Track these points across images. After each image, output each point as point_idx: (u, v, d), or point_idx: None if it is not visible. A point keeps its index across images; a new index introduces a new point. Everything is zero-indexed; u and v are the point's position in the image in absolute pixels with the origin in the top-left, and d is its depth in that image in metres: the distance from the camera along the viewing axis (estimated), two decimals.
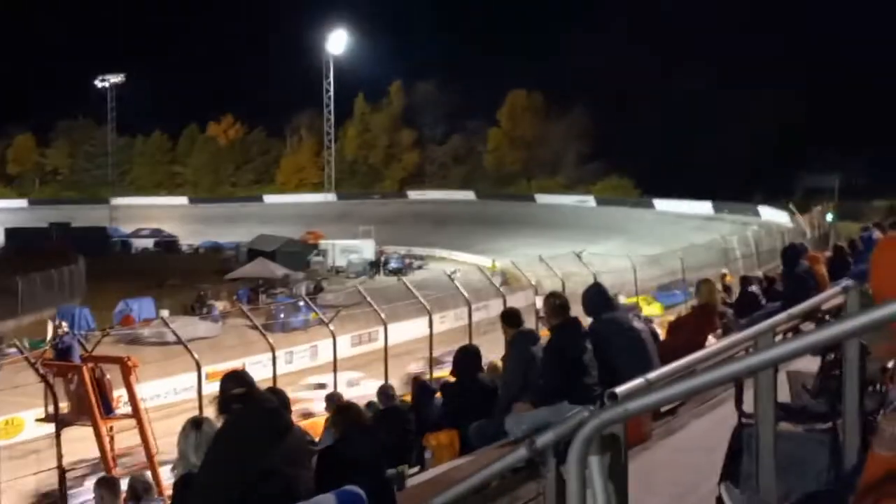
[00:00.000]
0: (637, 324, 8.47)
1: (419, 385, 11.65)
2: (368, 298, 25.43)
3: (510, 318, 9.08)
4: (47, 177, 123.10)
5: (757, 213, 76.31)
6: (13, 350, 31.13)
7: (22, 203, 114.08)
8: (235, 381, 5.46)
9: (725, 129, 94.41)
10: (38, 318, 46.66)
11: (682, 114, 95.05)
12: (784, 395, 5.12)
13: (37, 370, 19.00)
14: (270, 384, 17.21)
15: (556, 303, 7.91)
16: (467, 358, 9.84)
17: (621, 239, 76.10)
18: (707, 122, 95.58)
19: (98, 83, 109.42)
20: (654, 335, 9.50)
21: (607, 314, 8.33)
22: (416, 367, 25.03)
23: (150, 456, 17.80)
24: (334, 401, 10.72)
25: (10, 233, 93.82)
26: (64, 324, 22.16)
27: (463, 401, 9.49)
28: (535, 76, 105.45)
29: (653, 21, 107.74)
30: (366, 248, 74.09)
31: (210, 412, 6.59)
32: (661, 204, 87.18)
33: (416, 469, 9.09)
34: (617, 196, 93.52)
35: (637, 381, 3.09)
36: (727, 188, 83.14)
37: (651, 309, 35.39)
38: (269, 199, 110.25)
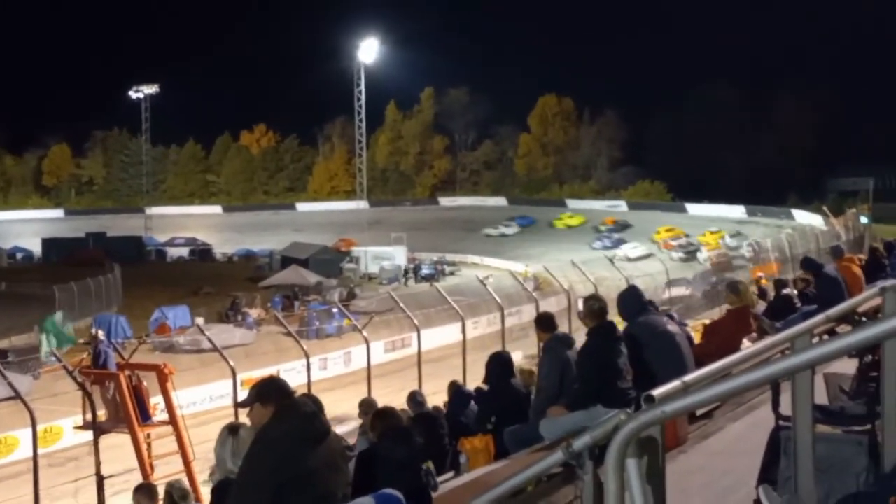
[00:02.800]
0: (671, 327, 8.44)
1: (455, 390, 11.67)
2: (401, 304, 25.47)
3: (544, 322, 9.07)
4: (83, 187, 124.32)
5: (790, 216, 75.57)
6: (52, 359, 31.51)
7: (59, 213, 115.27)
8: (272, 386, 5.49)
9: (758, 132, 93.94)
10: (75, 328, 47.13)
11: (714, 118, 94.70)
12: (821, 398, 5.09)
13: (74, 378, 19.17)
14: (305, 390, 17.27)
15: (595, 306, 7.89)
16: (500, 364, 9.86)
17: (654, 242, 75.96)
18: (738, 126, 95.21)
19: (132, 94, 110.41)
20: (689, 338, 9.46)
21: (642, 317, 8.30)
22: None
23: (186, 462, 17.89)
24: (370, 406, 10.75)
25: (48, 243, 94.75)
26: (100, 332, 22.33)
27: (497, 406, 9.50)
28: (566, 81, 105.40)
29: (683, 26, 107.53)
30: (398, 255, 74.14)
31: (246, 418, 6.63)
32: (694, 208, 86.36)
33: (451, 474, 9.11)
34: (649, 200, 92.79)
35: (674, 384, 3.09)
36: (760, 191, 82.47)
37: None
38: (302, 206, 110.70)
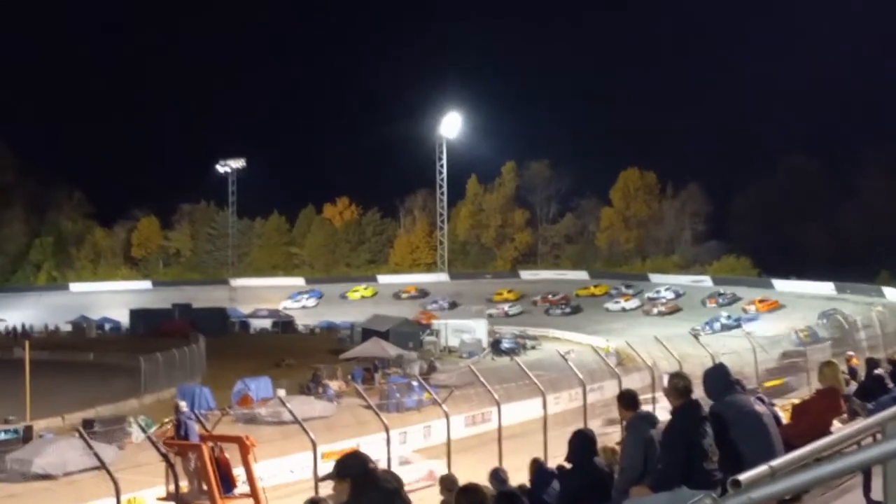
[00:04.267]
0: (759, 407, 8.25)
1: (537, 467, 11.53)
2: (481, 378, 25.34)
3: (627, 400, 8.95)
4: (171, 259, 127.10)
5: (881, 294, 73.49)
6: (136, 429, 32.03)
7: (147, 284, 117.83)
8: (355, 462, 5.52)
9: (842, 206, 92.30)
10: (158, 398, 47.85)
11: (799, 189, 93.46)
12: None
13: (158, 449, 19.43)
14: (385, 465, 17.24)
15: (680, 384, 7.76)
16: (583, 441, 9.73)
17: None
18: (823, 200, 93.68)
19: (219, 168, 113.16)
20: (777, 419, 9.24)
21: (729, 396, 8.14)
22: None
23: None
24: (451, 483, 10.70)
25: (135, 314, 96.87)
26: (182, 403, 22.63)
27: (579, 485, 9.36)
28: (648, 155, 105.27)
29: (764, 99, 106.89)
30: (478, 328, 74.01)
31: (327, 492, 6.66)
32: (781, 284, 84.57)
33: None
34: (735, 276, 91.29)
35: (761, 469, 3.03)
36: (847, 266, 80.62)
37: None
38: (383, 279, 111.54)
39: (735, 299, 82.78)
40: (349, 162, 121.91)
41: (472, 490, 8.11)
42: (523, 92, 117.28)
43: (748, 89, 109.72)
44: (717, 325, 72.68)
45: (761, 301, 79.10)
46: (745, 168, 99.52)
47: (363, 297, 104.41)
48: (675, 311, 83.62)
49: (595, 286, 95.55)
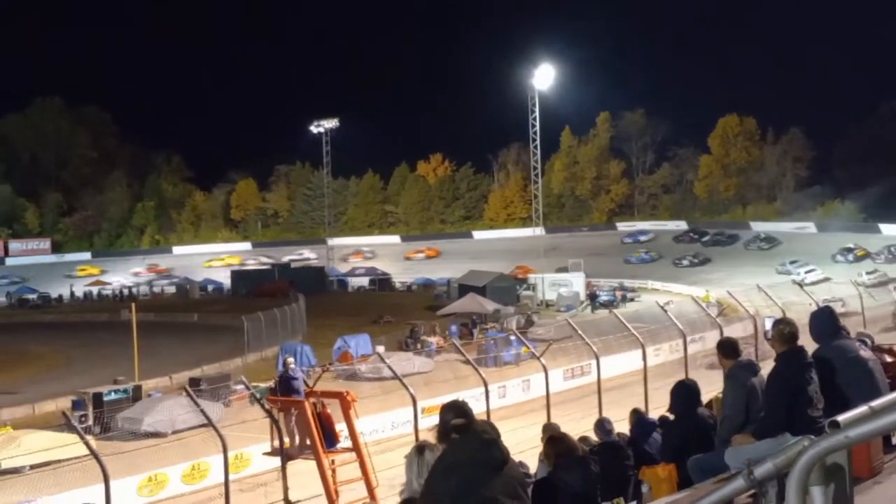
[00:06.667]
0: (864, 353, 8.03)
1: (638, 418, 11.46)
2: (579, 331, 25.26)
3: (728, 348, 8.79)
4: (269, 220, 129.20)
5: None
6: (240, 387, 32.78)
7: (246, 246, 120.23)
8: (455, 411, 5.54)
9: None
10: (262, 356, 48.92)
11: None
12: None
13: (262, 406, 19.86)
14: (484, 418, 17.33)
15: (786, 330, 7.58)
16: (685, 392, 9.63)
17: (845, 266, 72.49)
18: None
19: (313, 128, 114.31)
20: (885, 365, 8.98)
21: (835, 341, 7.94)
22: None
23: (370, 489, 18.21)
24: (549, 432, 10.68)
25: (236, 275, 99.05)
26: (290, 359, 23.03)
27: (682, 435, 9.28)
28: (746, 100, 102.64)
29: (867, 41, 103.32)
30: (575, 282, 73.67)
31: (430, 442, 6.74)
32: (889, 228, 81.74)
33: (633, 503, 8.95)
34: (840, 221, 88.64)
35: (860, 409, 2.95)
36: None
37: None
38: (478, 234, 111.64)
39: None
40: (442, 118, 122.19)
41: (559, 439, 8.09)
42: (616, 40, 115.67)
43: (849, 30, 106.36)
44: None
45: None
46: (850, 110, 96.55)
47: (229, 264, 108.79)
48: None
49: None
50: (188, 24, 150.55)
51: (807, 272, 70.64)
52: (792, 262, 75.65)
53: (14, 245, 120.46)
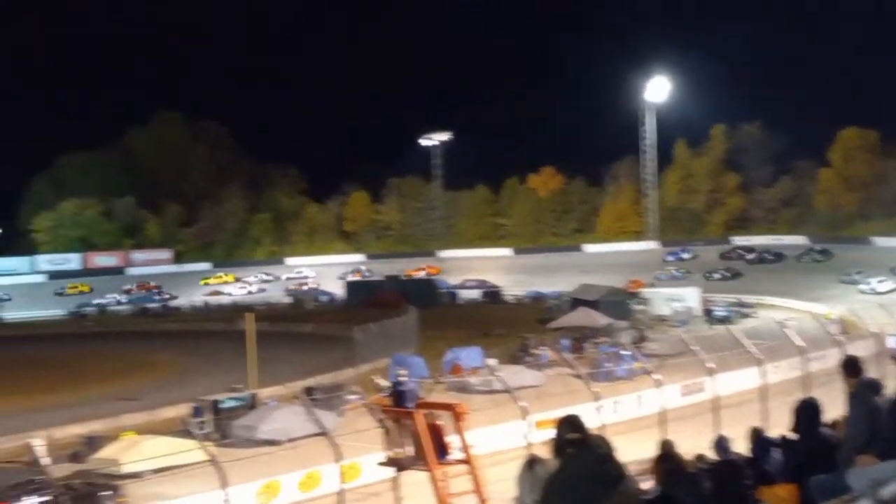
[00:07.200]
0: None
1: (758, 437, 11.17)
2: (694, 347, 24.80)
3: (850, 366, 8.53)
4: (381, 232, 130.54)
5: None
6: (354, 396, 33.13)
7: (360, 257, 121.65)
8: (570, 426, 5.47)
9: None
10: (374, 367, 49.31)
11: None
12: None
13: (376, 416, 19.99)
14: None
15: None
16: (809, 410, 9.36)
17: None
18: None
19: (425, 142, 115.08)
20: None
21: None
22: None
23: (482, 501, 18.14)
24: (662, 448, 10.47)
25: (350, 286, 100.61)
26: (403, 371, 23.15)
27: (804, 454, 9.01)
28: (867, 113, 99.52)
29: None
30: (690, 297, 72.37)
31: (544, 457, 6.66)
32: None
33: None
34: None
35: None
36: None
37: None
38: (589, 247, 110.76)
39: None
40: (553, 132, 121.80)
41: (669, 456, 7.93)
42: (731, 52, 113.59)
43: None
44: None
45: None
46: None
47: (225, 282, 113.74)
48: None
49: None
50: (302, 40, 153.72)
51: (878, 282, 69.35)
52: (858, 273, 75.61)
53: (137, 255, 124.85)
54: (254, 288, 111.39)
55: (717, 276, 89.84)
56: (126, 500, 25.52)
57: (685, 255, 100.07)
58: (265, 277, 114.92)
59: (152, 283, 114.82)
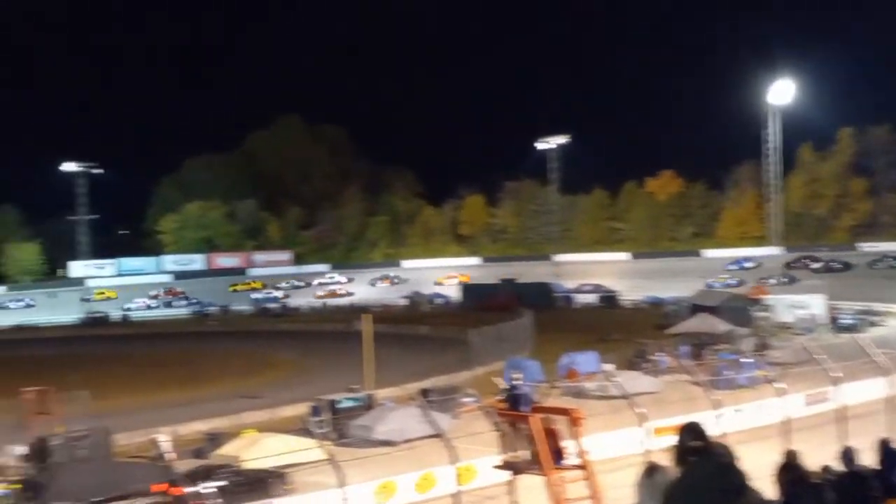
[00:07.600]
0: None
1: (885, 449, 10.78)
2: (815, 356, 24.11)
3: None
4: (497, 235, 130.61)
5: None
6: (469, 399, 33.21)
7: (476, 260, 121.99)
8: (692, 434, 5.36)
9: None
10: (488, 370, 49.28)
11: None
12: None
13: (491, 419, 19.96)
14: None
15: None
16: None
17: None
18: None
19: (541, 145, 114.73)
20: None
21: None
22: None
23: None
24: (785, 458, 10.19)
25: (466, 288, 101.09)
26: (518, 374, 23.10)
27: None
28: None
29: None
30: (814, 304, 70.29)
31: (664, 464, 6.54)
32: None
33: None
34: None
35: None
36: None
37: None
38: (708, 252, 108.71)
39: None
40: (672, 135, 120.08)
41: (792, 466, 7.71)
42: (860, 54, 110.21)
43: None
44: None
45: None
46: None
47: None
48: None
49: None
50: (420, 44, 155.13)
51: None
52: None
53: (258, 257, 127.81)
54: (280, 294, 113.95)
55: (772, 281, 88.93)
56: (293, 486, 26.18)
57: (748, 265, 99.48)
58: (297, 283, 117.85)
59: (179, 289, 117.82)
